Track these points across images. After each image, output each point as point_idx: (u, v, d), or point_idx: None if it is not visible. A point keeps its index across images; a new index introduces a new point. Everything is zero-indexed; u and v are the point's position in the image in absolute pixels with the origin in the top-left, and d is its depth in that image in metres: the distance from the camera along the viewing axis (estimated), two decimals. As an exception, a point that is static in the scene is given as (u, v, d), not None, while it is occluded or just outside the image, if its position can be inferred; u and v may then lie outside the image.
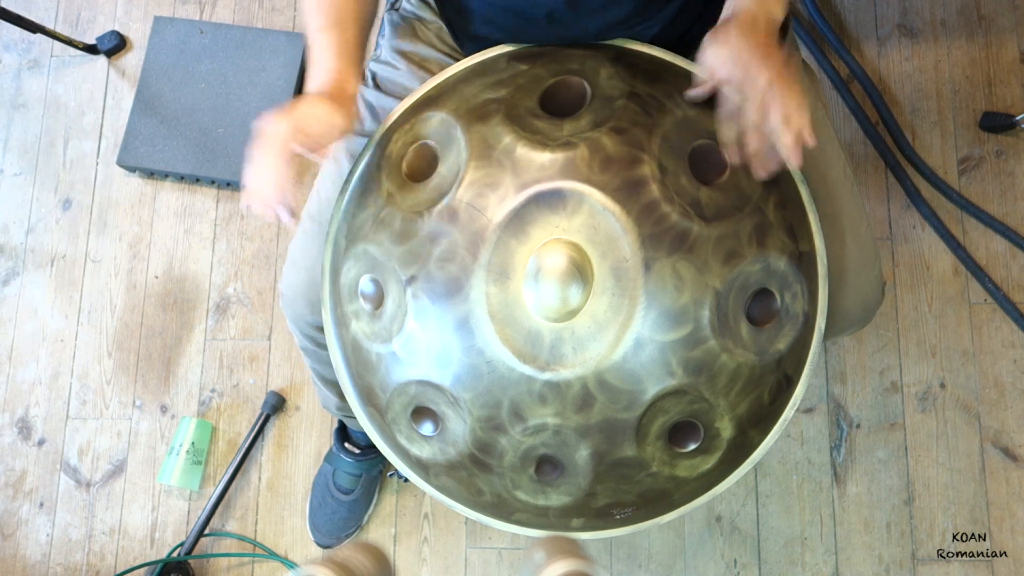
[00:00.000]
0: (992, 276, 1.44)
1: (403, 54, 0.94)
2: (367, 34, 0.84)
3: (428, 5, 0.95)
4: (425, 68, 0.93)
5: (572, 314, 0.72)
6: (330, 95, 0.77)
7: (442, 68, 0.87)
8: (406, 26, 0.95)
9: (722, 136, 0.76)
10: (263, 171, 0.74)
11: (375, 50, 0.99)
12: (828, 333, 0.92)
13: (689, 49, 0.80)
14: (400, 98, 0.87)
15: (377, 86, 0.94)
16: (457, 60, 0.87)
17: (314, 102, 0.76)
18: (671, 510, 0.81)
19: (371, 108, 0.94)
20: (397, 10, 0.97)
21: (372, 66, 0.97)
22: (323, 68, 0.79)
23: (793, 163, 0.73)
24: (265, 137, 0.75)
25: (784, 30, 0.93)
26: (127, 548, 1.45)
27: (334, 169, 0.93)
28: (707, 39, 0.75)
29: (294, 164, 0.75)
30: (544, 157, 0.73)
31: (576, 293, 0.71)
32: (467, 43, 0.90)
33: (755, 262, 0.73)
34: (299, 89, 1.57)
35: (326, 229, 0.86)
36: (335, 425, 1.40)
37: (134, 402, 1.50)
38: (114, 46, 1.63)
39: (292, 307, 0.95)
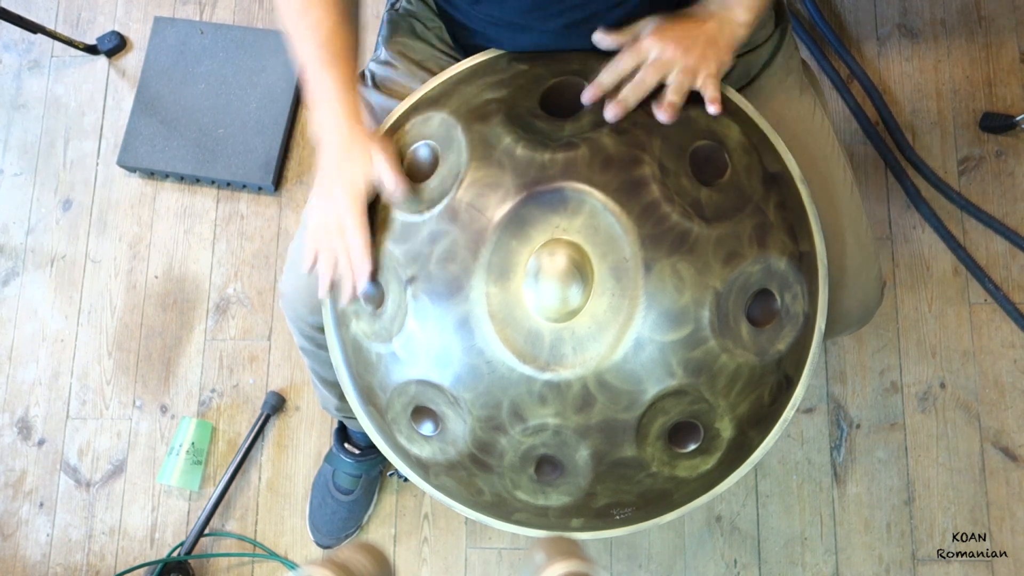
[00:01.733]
0: (992, 276, 1.44)
1: (402, 54, 0.94)
2: (357, 67, 0.84)
3: (427, 5, 0.95)
4: (424, 68, 0.93)
5: (572, 314, 0.72)
6: (362, 134, 0.78)
7: (441, 68, 0.87)
8: (405, 26, 0.95)
9: (601, 76, 0.76)
10: (354, 245, 0.77)
11: (374, 50, 0.99)
12: (828, 333, 0.92)
13: None
14: (400, 98, 0.87)
15: (376, 86, 0.94)
16: (456, 60, 0.87)
17: (357, 155, 0.77)
18: (671, 510, 0.81)
19: (371, 108, 0.94)
20: (396, 10, 0.97)
21: (371, 66, 0.97)
22: (331, 108, 0.79)
23: (666, 111, 0.75)
24: (331, 221, 0.78)
25: (781, 26, 0.93)
26: (127, 548, 1.45)
27: None
28: (652, 22, 0.77)
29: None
30: (544, 157, 0.73)
31: (576, 293, 0.71)
32: (466, 44, 0.90)
33: (755, 263, 0.73)
34: (299, 89, 1.57)
35: None
36: (335, 425, 1.40)
37: (134, 402, 1.50)
38: (114, 46, 1.63)
39: (292, 307, 0.95)
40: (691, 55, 0.75)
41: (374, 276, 0.77)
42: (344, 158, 0.78)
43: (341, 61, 0.80)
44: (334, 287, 0.79)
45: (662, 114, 0.75)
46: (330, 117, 0.79)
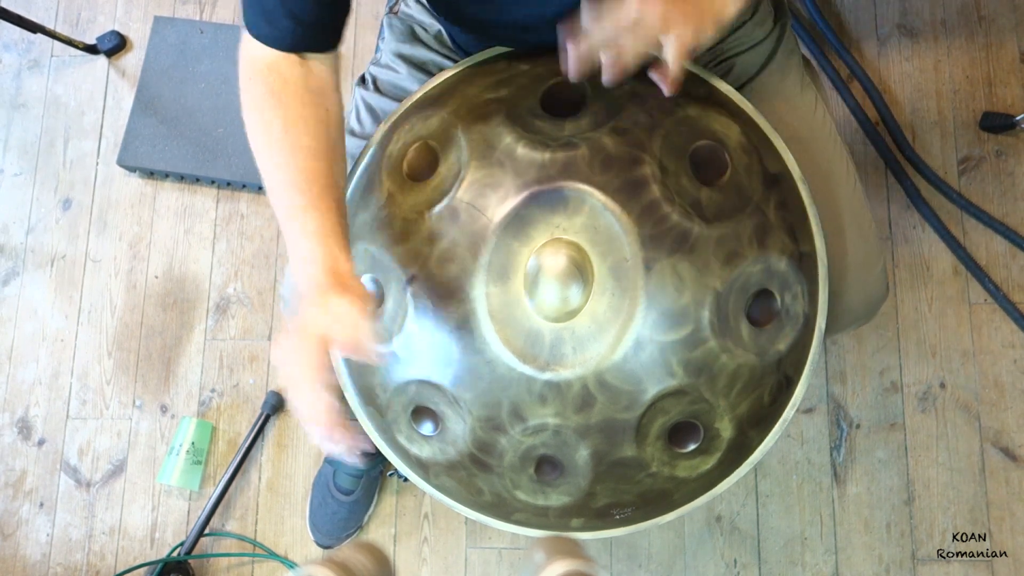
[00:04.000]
0: (992, 276, 1.44)
1: (403, 57, 0.94)
2: (343, 194, 0.75)
3: (426, 8, 0.95)
4: (424, 71, 0.93)
5: (572, 314, 0.72)
6: (329, 284, 0.68)
7: (441, 70, 0.87)
8: (405, 29, 0.95)
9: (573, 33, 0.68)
10: (311, 408, 0.68)
11: (375, 53, 1.00)
12: (832, 329, 0.92)
13: None
14: (400, 101, 0.87)
15: (377, 89, 0.94)
16: (456, 62, 0.87)
17: (319, 304, 0.68)
18: (671, 510, 0.81)
19: (371, 111, 0.94)
20: (396, 14, 0.97)
21: (372, 70, 0.97)
22: (305, 257, 0.70)
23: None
24: (293, 375, 0.68)
25: (781, 23, 0.92)
26: (127, 548, 1.45)
27: None
28: None
29: (327, 386, 0.68)
30: (545, 157, 0.73)
31: (576, 293, 0.71)
32: (465, 46, 0.91)
33: (756, 263, 0.73)
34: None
35: None
36: (335, 425, 1.39)
37: (134, 402, 1.50)
38: (114, 46, 1.63)
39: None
40: (663, 11, 0.65)
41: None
42: (319, 305, 0.68)
43: (328, 203, 0.71)
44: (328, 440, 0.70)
45: (606, 76, 0.68)
46: (311, 268, 0.70)
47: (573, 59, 0.69)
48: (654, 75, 0.72)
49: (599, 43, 0.68)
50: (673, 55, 0.67)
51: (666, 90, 0.71)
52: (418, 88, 0.85)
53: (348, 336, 0.67)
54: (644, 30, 0.66)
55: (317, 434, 0.69)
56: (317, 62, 0.74)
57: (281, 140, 0.71)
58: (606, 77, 0.70)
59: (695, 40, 0.67)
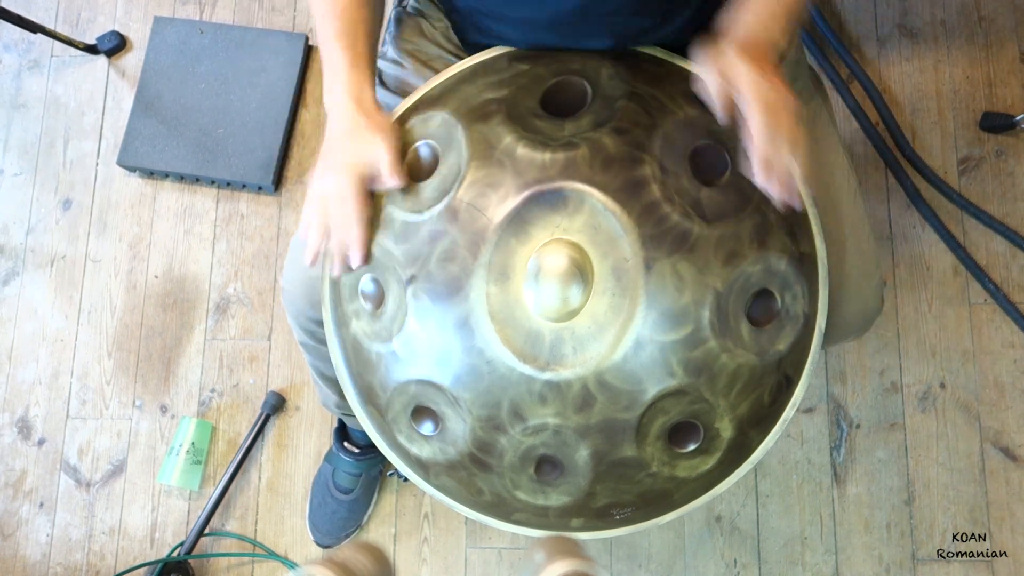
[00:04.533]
0: (992, 276, 1.44)
1: (409, 53, 0.94)
2: (377, 39, 0.84)
3: (434, 4, 0.95)
4: (431, 67, 0.93)
5: (572, 314, 0.72)
6: (359, 118, 0.77)
7: (448, 67, 0.87)
8: (413, 25, 0.95)
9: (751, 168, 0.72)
10: (342, 232, 0.76)
11: (382, 48, 0.99)
12: (827, 341, 0.92)
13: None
14: (406, 96, 0.87)
15: (383, 84, 0.94)
16: (463, 59, 0.87)
17: (355, 137, 0.76)
18: (671, 510, 0.81)
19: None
20: (404, 8, 0.97)
21: (379, 64, 0.97)
22: (337, 78, 0.79)
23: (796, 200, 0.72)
24: (331, 199, 0.76)
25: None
26: (127, 548, 1.45)
27: None
28: (700, 51, 0.74)
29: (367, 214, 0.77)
30: (545, 157, 0.73)
31: (576, 293, 0.71)
32: (473, 43, 0.90)
33: (756, 263, 0.73)
34: (299, 89, 1.57)
35: None
36: (335, 424, 1.40)
37: (134, 402, 1.50)
38: (114, 46, 1.63)
39: (293, 302, 0.94)
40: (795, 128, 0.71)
41: (367, 258, 0.77)
42: (348, 136, 0.77)
43: (354, 35, 0.79)
44: (317, 258, 0.78)
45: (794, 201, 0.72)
46: (339, 90, 0.78)
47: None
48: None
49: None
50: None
51: (797, 204, 0.73)
52: (420, 86, 0.85)
53: (387, 170, 0.75)
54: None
55: (342, 250, 0.76)
56: None
57: None
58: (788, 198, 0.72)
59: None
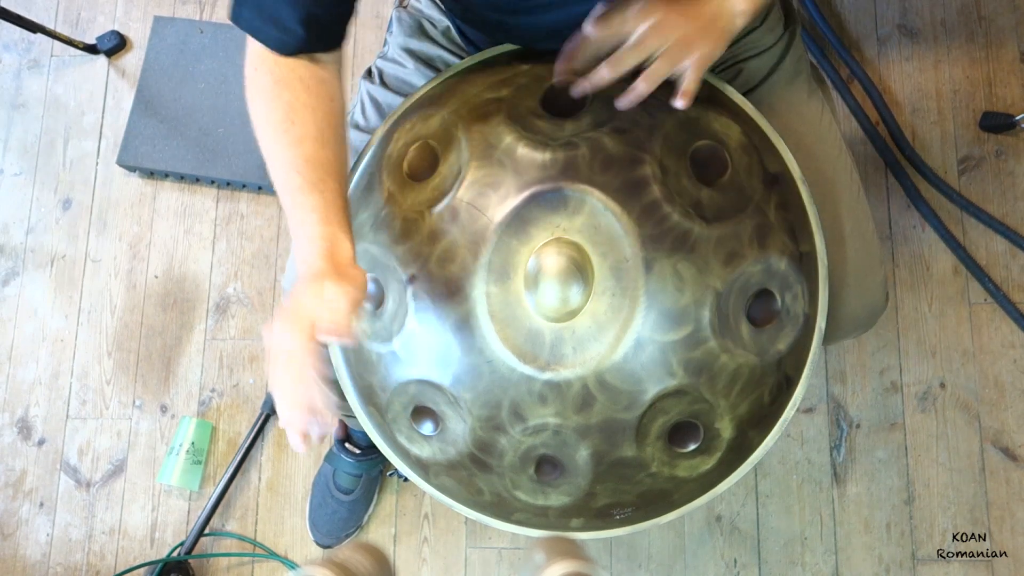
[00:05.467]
0: (992, 276, 1.44)
1: (410, 52, 0.94)
2: (346, 185, 0.75)
3: (436, 3, 0.95)
4: (432, 66, 0.93)
5: (572, 314, 0.72)
6: (326, 270, 0.68)
7: (449, 66, 0.87)
8: (414, 24, 0.95)
9: (577, 57, 0.70)
10: (292, 397, 0.68)
11: (383, 47, 1.00)
12: (831, 337, 0.92)
13: None
14: (406, 95, 0.87)
15: (384, 84, 0.94)
16: (464, 59, 0.87)
17: (313, 290, 0.67)
18: (671, 510, 0.81)
19: (377, 105, 0.94)
20: (405, 8, 0.97)
21: (379, 63, 0.97)
22: (309, 236, 0.70)
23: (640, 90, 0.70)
24: (281, 357, 0.68)
25: (791, 29, 0.92)
26: (127, 548, 1.45)
27: None
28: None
29: (318, 374, 0.68)
30: (545, 157, 0.73)
31: (577, 293, 0.71)
32: (474, 42, 0.91)
33: (756, 263, 0.73)
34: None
35: None
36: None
37: (134, 402, 1.50)
38: (114, 46, 1.63)
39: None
40: (679, 33, 0.69)
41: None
42: (309, 285, 0.68)
43: (323, 186, 0.71)
44: (308, 442, 0.71)
45: (623, 99, 0.70)
46: (312, 252, 0.70)
47: (562, 59, 0.71)
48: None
49: (596, 51, 0.70)
50: (690, 75, 0.70)
51: (678, 102, 0.72)
52: (421, 85, 0.85)
53: (336, 319, 0.67)
54: (646, 46, 0.69)
55: (292, 420, 0.69)
56: (324, 56, 0.76)
57: (286, 126, 0.72)
58: (621, 101, 0.72)
59: (709, 55, 0.70)
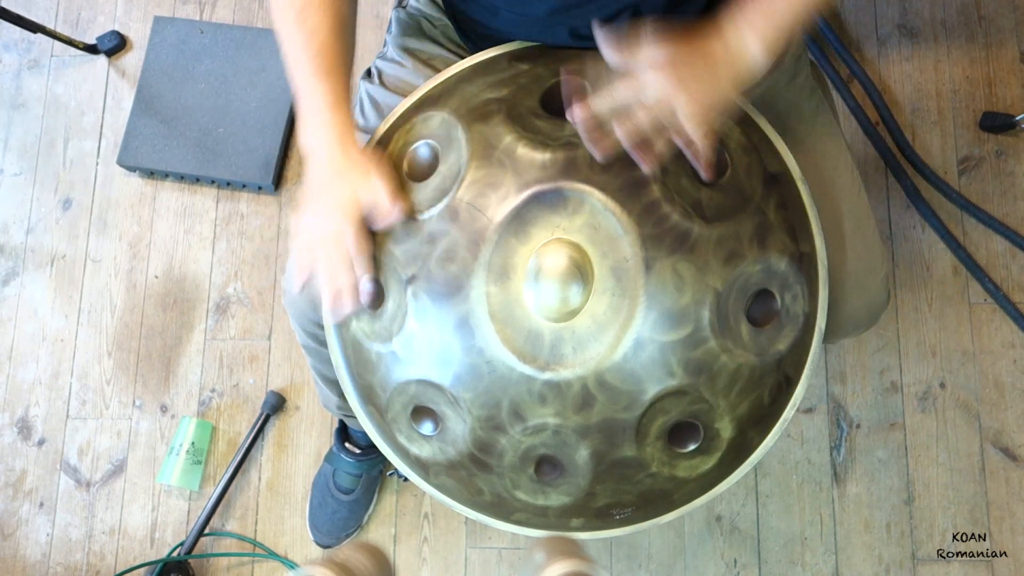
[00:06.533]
0: (992, 276, 1.44)
1: (410, 52, 0.94)
2: (351, 73, 0.82)
3: (435, 3, 0.95)
4: (431, 66, 0.93)
5: (572, 314, 0.72)
6: (350, 164, 0.75)
7: (448, 66, 0.87)
8: (413, 24, 0.95)
9: (596, 102, 0.70)
10: (345, 275, 0.75)
11: (382, 47, 0.99)
12: (833, 335, 0.92)
13: None
14: (406, 96, 0.87)
15: (383, 83, 0.94)
16: (464, 58, 0.87)
17: (352, 179, 0.74)
18: (671, 510, 0.81)
19: (376, 105, 0.94)
20: (404, 8, 0.97)
21: (378, 63, 0.97)
22: (321, 121, 0.76)
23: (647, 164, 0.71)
24: (329, 240, 0.75)
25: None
26: (127, 548, 1.45)
27: None
28: (653, 44, 0.70)
29: (368, 253, 0.75)
30: (545, 157, 0.73)
31: (576, 293, 0.71)
32: (474, 41, 0.90)
33: (756, 263, 0.73)
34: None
35: None
36: (335, 425, 1.40)
37: (134, 402, 1.50)
38: (114, 46, 1.63)
39: (295, 304, 0.95)
40: (688, 94, 0.69)
41: (378, 294, 0.76)
42: (337, 175, 0.75)
43: (336, 73, 0.77)
44: (339, 305, 0.76)
45: (645, 166, 0.71)
46: (322, 131, 0.76)
47: (587, 134, 0.71)
48: (691, 159, 0.73)
49: (608, 113, 0.71)
50: (701, 141, 0.71)
51: (703, 174, 0.73)
52: (420, 86, 0.85)
53: (385, 203, 0.74)
54: (655, 102, 0.69)
55: (351, 288, 0.75)
56: None
57: (306, 15, 0.77)
58: (645, 167, 0.72)
59: (716, 106, 0.71)
